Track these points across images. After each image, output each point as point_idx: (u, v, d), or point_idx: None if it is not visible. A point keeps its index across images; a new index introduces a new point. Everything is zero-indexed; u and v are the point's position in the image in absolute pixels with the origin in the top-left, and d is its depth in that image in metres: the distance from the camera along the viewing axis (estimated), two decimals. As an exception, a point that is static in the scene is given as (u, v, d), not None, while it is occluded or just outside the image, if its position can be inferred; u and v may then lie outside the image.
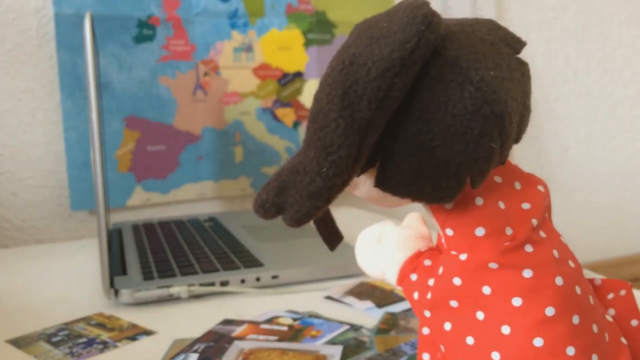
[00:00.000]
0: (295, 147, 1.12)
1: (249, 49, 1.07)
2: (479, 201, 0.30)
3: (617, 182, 1.49)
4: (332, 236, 0.35)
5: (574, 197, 1.43)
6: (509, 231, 0.30)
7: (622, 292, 0.33)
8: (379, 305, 0.60)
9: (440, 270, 0.31)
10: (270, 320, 0.57)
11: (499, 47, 0.30)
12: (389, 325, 0.55)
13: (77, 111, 0.95)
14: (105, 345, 0.53)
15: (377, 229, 0.36)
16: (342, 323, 0.56)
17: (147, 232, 0.88)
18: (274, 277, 0.67)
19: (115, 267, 0.70)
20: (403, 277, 0.33)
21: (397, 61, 0.26)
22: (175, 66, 1.02)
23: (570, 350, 0.29)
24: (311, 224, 0.32)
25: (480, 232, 0.30)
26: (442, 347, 0.32)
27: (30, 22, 0.94)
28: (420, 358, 0.35)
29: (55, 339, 0.54)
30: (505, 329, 0.29)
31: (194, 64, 1.03)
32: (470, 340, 0.30)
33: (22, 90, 0.94)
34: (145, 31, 0.99)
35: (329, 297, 0.63)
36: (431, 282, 0.32)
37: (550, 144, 1.40)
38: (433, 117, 0.28)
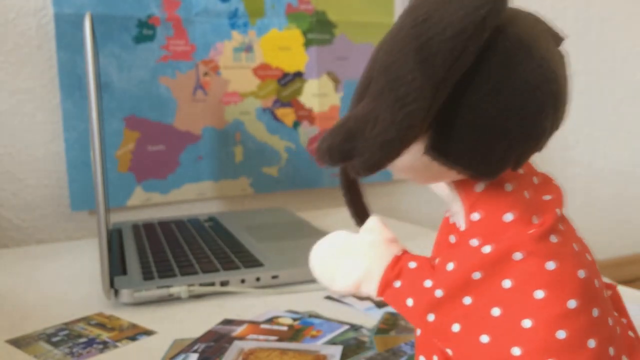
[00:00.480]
0: (295, 147, 1.12)
1: (249, 49, 1.07)
2: (509, 187, 0.31)
3: (617, 181, 1.49)
4: (361, 212, 0.36)
5: (575, 197, 1.43)
6: (535, 220, 0.30)
7: (608, 293, 0.33)
8: (379, 305, 0.60)
9: (451, 266, 0.31)
10: (270, 320, 0.57)
11: (546, 35, 0.31)
12: (388, 325, 0.55)
13: (77, 111, 0.95)
14: (105, 345, 0.53)
15: (335, 240, 0.35)
16: (342, 323, 0.56)
17: (147, 232, 0.88)
18: (274, 277, 0.67)
19: (115, 267, 0.70)
20: (385, 286, 0.33)
21: (470, 25, 0.27)
22: (175, 66, 1.02)
23: (592, 343, 0.29)
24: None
25: (508, 217, 0.30)
26: (449, 351, 0.31)
27: (30, 22, 0.94)
28: (418, 360, 0.35)
29: (55, 339, 0.54)
30: (527, 323, 0.29)
31: (194, 64, 1.03)
32: (485, 339, 0.30)
33: (22, 90, 0.94)
34: (145, 31, 0.99)
35: (329, 297, 0.63)
36: (428, 283, 0.31)
37: (550, 144, 1.40)
38: (494, 89, 0.28)
